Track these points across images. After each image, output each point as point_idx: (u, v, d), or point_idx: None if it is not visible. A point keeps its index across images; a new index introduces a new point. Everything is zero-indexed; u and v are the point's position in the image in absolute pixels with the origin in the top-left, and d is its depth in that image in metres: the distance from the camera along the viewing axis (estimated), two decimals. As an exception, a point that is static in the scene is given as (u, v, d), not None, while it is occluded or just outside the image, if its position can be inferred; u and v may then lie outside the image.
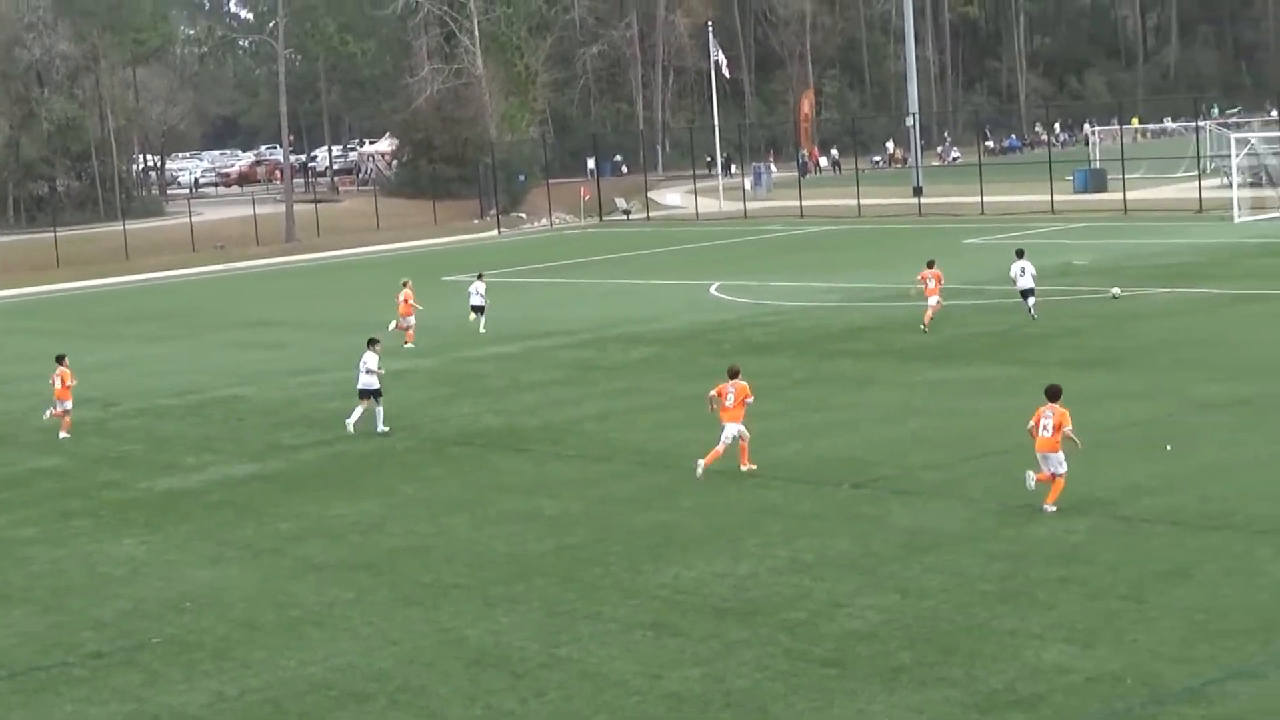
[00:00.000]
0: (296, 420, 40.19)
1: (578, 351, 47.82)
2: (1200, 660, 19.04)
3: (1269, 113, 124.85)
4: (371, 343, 38.34)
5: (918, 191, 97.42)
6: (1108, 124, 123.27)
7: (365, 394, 37.64)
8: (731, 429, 30.04)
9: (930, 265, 47.44)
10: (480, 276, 55.56)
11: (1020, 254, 48.15)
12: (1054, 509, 25.82)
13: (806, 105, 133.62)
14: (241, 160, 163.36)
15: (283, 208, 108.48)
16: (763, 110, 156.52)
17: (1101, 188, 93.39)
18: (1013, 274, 47.33)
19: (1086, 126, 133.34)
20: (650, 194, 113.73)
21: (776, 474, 30.14)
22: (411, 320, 52.38)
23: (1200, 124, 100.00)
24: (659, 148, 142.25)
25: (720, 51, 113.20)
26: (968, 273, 59.39)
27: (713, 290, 60.05)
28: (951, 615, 21.28)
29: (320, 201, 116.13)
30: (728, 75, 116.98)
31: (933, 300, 46.41)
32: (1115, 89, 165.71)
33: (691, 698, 19.13)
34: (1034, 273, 47.35)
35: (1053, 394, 26.47)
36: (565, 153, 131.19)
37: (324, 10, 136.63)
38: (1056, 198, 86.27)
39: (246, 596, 24.85)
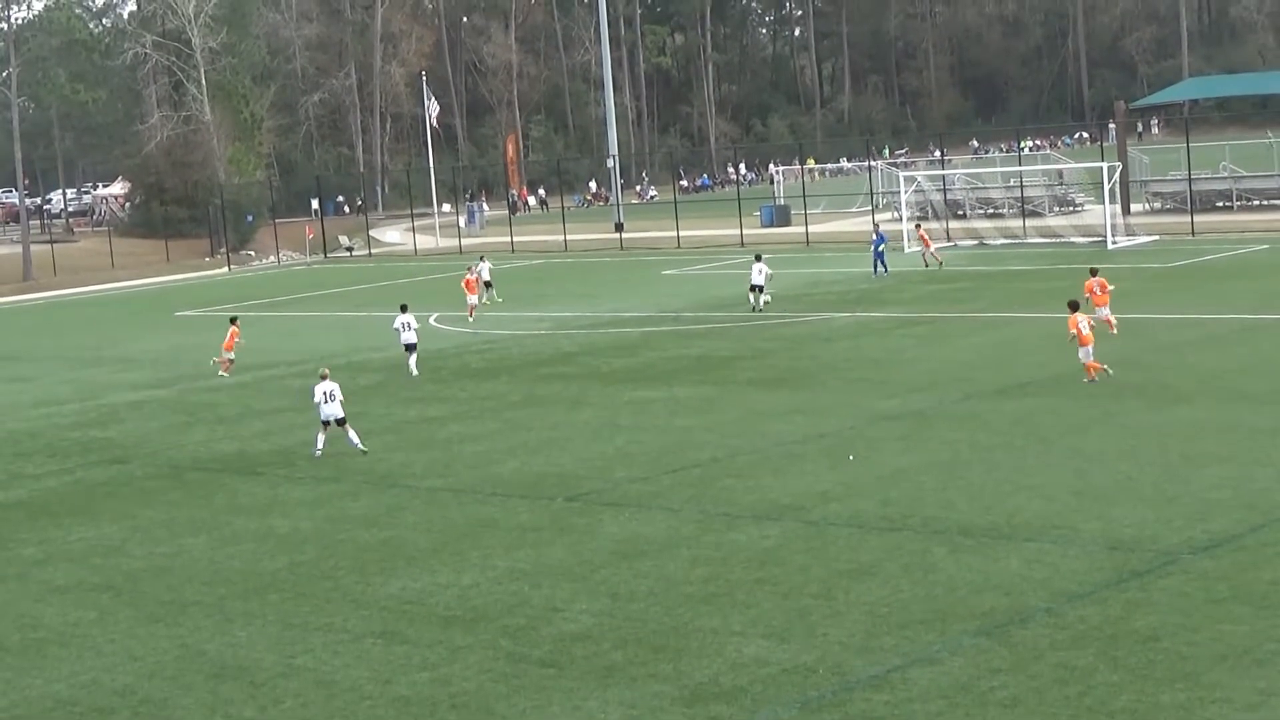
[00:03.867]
0: (39, 450, 39.13)
1: (306, 380, 47.12)
2: (884, 650, 19.41)
3: (932, 153, 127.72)
4: (403, 308, 46.78)
5: (619, 227, 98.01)
6: (790, 164, 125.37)
7: (410, 348, 45.41)
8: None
9: (1094, 273, 43.38)
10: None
11: (758, 258, 56.48)
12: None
13: (511, 148, 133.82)
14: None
15: (19, 248, 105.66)
16: (474, 153, 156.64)
17: (786, 222, 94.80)
18: (752, 273, 54.91)
19: (771, 166, 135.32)
20: (371, 232, 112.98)
21: (495, 490, 30.13)
22: (475, 299, 59.68)
23: (873, 163, 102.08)
24: (379, 188, 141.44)
25: (433, 100, 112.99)
26: (666, 301, 60.00)
27: (432, 321, 59.73)
28: (659, 616, 21.43)
29: (56, 242, 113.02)
30: (435, 125, 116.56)
31: (1103, 311, 42.40)
32: (796, 131, 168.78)
33: (420, 700, 19.01)
34: (769, 273, 55.47)
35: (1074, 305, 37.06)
36: (290, 194, 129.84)
37: (55, 61, 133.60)
38: (746, 231, 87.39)
39: (-9, 619, 24.16)
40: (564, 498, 29.07)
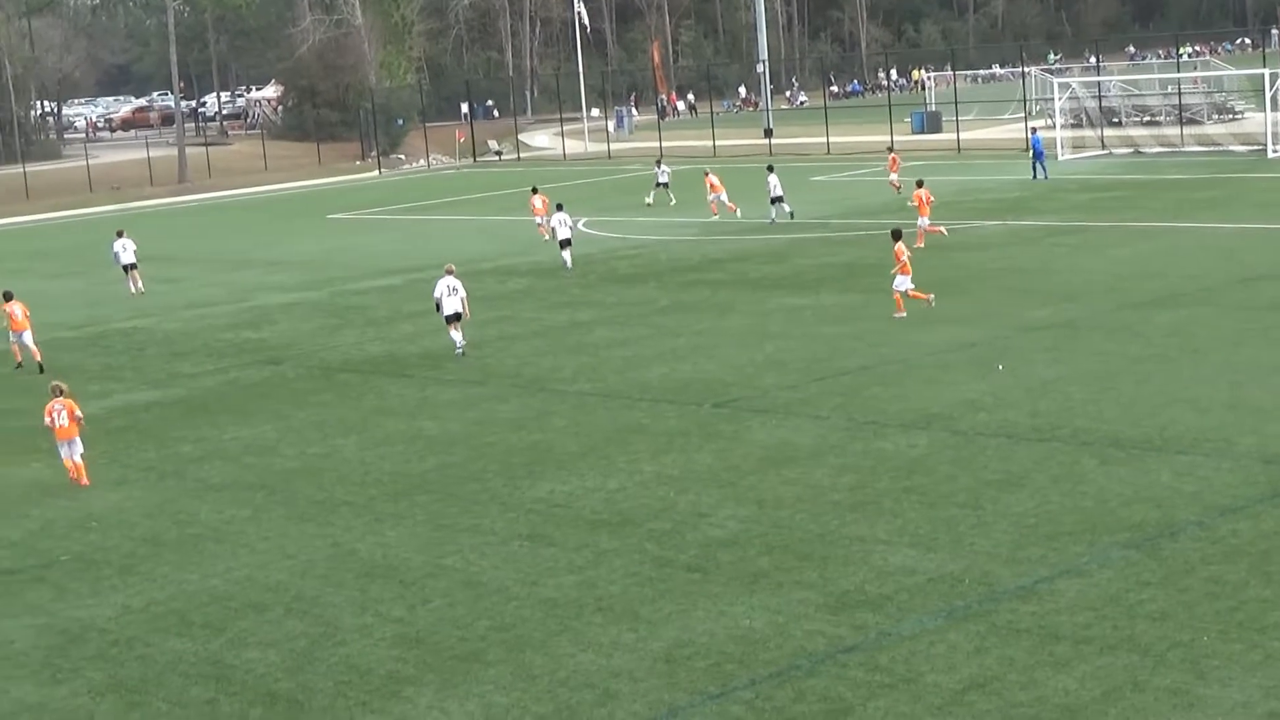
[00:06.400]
0: (194, 350, 39.80)
1: (455, 283, 47.59)
2: (1031, 561, 19.30)
3: (1088, 59, 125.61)
4: (559, 206, 49.97)
5: (768, 133, 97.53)
6: (942, 70, 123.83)
7: (565, 243, 47.90)
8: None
9: (920, 185, 48.45)
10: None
11: (770, 169, 57.44)
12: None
13: (657, 53, 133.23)
14: (129, 106, 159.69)
15: (175, 151, 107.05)
16: (623, 58, 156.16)
17: (937, 129, 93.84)
18: (770, 185, 55.41)
19: (921, 71, 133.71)
20: (520, 136, 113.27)
21: (643, 395, 30.22)
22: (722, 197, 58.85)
23: (1026, 69, 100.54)
24: (528, 93, 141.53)
25: (582, 3, 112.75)
26: (815, 208, 59.67)
27: (580, 225, 59.82)
28: (806, 524, 21.44)
29: (211, 144, 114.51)
30: (588, 26, 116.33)
31: (924, 221, 47.16)
32: (949, 37, 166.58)
33: (566, 602, 19.18)
34: (779, 183, 55.70)
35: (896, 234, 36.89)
36: (440, 98, 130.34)
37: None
38: (896, 138, 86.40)
39: (149, 515, 24.67)
40: (711, 404, 29.10)
